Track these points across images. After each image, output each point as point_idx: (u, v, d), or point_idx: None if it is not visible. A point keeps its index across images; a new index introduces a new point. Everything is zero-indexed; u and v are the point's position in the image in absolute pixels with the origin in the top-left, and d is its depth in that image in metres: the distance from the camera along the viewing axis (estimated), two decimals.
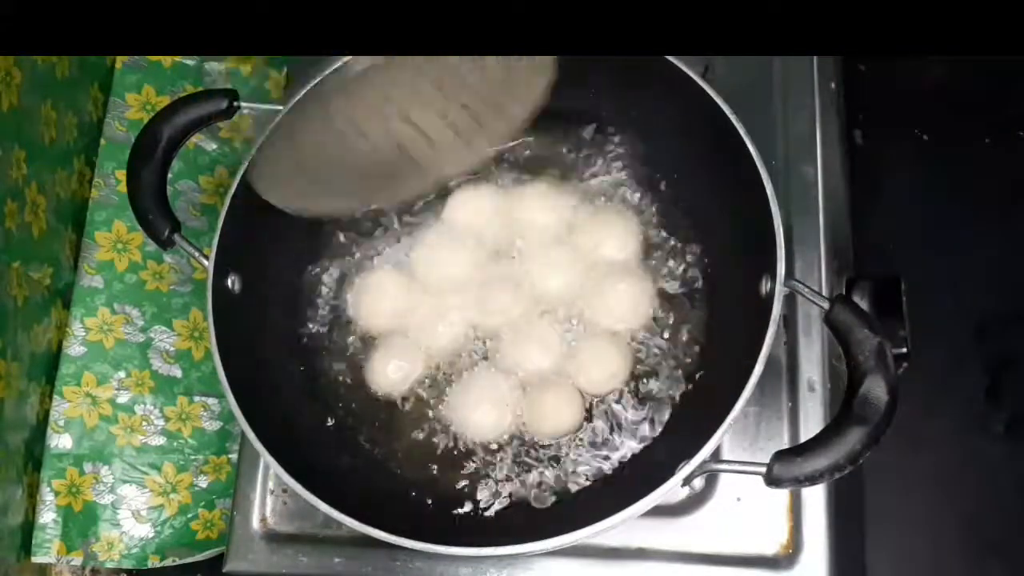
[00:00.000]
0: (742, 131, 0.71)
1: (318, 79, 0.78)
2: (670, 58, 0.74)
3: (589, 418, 0.76)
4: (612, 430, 0.75)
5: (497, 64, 0.76)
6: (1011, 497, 1.02)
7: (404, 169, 0.78)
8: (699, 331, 0.78)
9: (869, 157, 1.11)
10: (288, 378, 0.79)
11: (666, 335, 0.78)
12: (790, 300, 0.80)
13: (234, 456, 0.97)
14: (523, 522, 0.73)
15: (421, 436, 0.77)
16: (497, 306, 0.79)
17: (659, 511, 0.73)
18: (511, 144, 0.85)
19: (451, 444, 0.76)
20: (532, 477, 0.74)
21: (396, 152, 0.77)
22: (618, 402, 0.76)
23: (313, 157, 0.78)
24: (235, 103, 0.78)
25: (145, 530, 0.97)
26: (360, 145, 0.78)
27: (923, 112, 1.16)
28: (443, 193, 0.84)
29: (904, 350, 0.77)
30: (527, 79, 0.75)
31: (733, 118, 0.71)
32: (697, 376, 0.76)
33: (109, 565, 0.97)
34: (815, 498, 0.75)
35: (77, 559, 0.96)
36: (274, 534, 0.80)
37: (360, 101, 0.78)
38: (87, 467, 0.97)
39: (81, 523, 0.96)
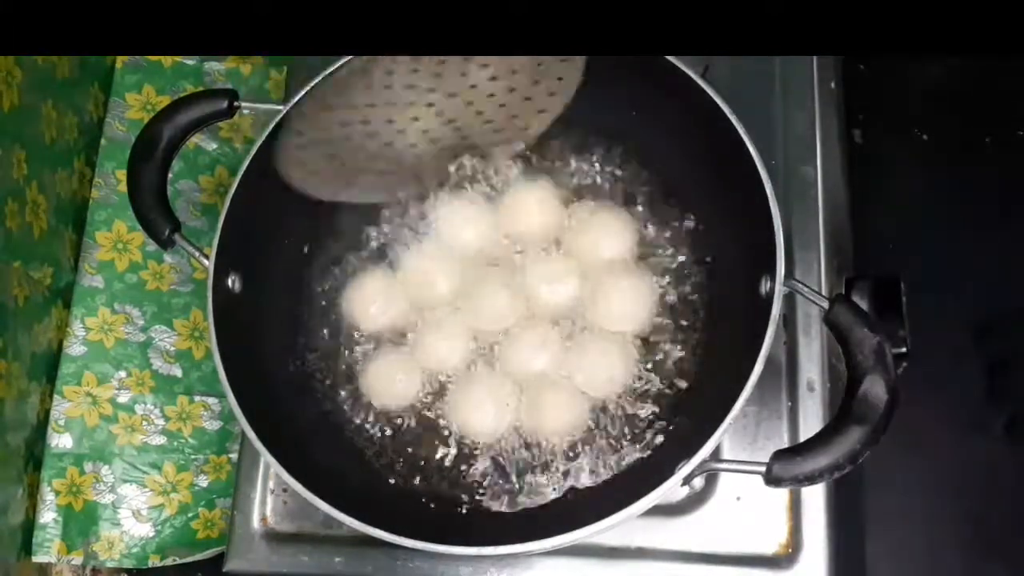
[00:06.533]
0: (742, 131, 0.71)
1: (318, 79, 0.78)
2: (670, 58, 0.74)
3: (589, 418, 0.76)
4: (612, 430, 0.75)
5: (529, 61, 0.77)
6: (1011, 497, 1.02)
7: (427, 160, 0.79)
8: (699, 331, 0.78)
9: (869, 157, 1.11)
10: (288, 378, 0.79)
11: (665, 335, 0.78)
12: (790, 300, 0.80)
13: (234, 456, 0.97)
14: (523, 522, 0.73)
15: (421, 436, 0.77)
16: (496, 311, 0.79)
17: (659, 511, 0.73)
18: (536, 135, 0.83)
19: (451, 444, 0.76)
20: (532, 477, 0.74)
21: (421, 141, 0.78)
22: (618, 402, 0.76)
23: (338, 145, 0.79)
24: (235, 103, 0.78)
25: (145, 529, 0.97)
26: (384, 134, 0.79)
27: (923, 112, 1.16)
28: (439, 198, 0.84)
29: (904, 350, 0.77)
30: (559, 75, 0.76)
31: (733, 118, 0.71)
32: (697, 376, 0.76)
33: (110, 564, 0.97)
34: (815, 498, 0.75)
35: (77, 559, 0.96)
36: (274, 533, 0.80)
37: (384, 90, 0.79)
38: (87, 467, 0.97)
39: (81, 522, 0.96)
